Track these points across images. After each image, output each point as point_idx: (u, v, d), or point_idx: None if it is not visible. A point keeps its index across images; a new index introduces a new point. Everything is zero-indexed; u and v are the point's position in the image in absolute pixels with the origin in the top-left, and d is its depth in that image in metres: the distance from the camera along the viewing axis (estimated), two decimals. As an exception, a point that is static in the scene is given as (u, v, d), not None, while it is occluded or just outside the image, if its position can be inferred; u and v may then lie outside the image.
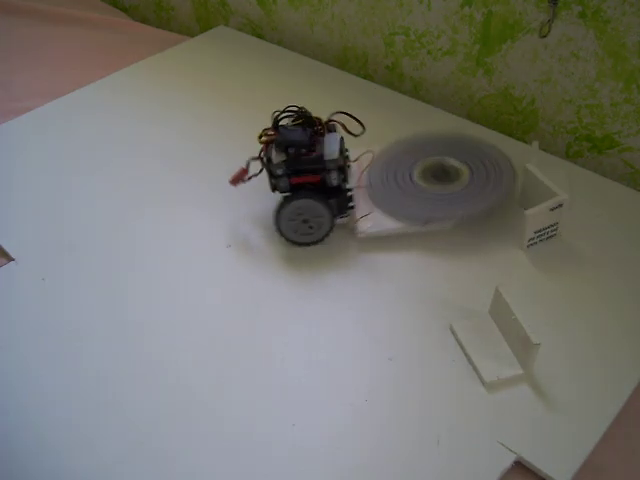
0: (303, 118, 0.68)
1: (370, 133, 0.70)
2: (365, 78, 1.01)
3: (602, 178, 0.79)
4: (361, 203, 0.72)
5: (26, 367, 0.62)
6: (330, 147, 0.67)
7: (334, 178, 0.68)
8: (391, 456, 0.54)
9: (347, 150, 0.72)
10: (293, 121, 0.68)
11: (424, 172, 0.75)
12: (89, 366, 0.62)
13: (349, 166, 0.74)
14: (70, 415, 0.58)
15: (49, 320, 0.66)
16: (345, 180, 0.69)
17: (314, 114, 0.69)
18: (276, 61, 1.03)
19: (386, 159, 0.77)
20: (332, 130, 0.69)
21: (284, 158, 0.67)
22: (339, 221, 0.71)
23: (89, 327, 0.65)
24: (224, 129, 0.90)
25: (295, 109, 0.68)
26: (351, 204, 0.71)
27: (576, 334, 0.62)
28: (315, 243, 0.72)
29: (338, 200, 0.70)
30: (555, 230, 0.70)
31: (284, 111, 0.68)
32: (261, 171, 0.69)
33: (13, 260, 0.72)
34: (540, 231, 0.69)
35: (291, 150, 0.66)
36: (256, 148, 0.69)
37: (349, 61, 1.04)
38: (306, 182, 0.68)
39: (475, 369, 0.59)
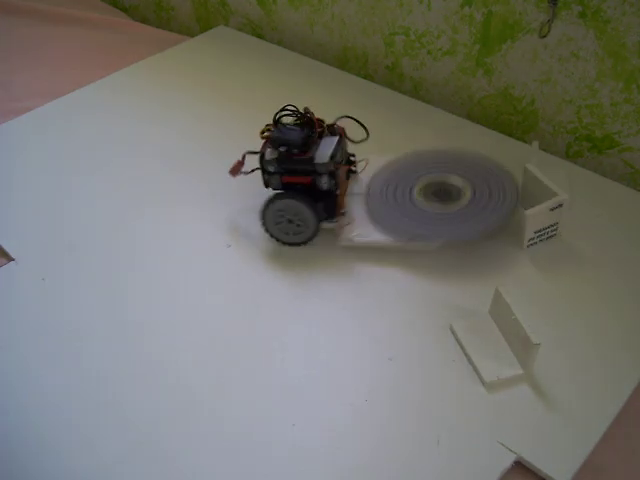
0: (303, 119, 0.67)
1: (370, 133, 0.70)
2: (365, 78, 1.00)
3: (602, 178, 0.80)
4: (354, 210, 0.72)
5: (26, 367, 0.62)
6: (322, 151, 0.66)
7: (324, 182, 0.67)
8: (391, 456, 0.54)
9: (354, 155, 0.72)
10: (295, 121, 0.68)
11: (425, 188, 0.73)
12: (89, 366, 0.62)
13: (354, 171, 0.74)
14: (70, 415, 0.58)
15: (49, 320, 0.66)
16: (337, 185, 0.68)
17: (314, 114, 0.68)
18: (276, 61, 1.03)
19: (394, 169, 0.75)
20: (334, 134, 0.69)
21: (276, 156, 0.66)
22: (329, 225, 0.70)
23: (89, 327, 0.65)
24: (224, 129, 0.89)
25: (293, 108, 0.68)
26: (343, 210, 0.70)
27: (576, 334, 0.62)
28: (298, 244, 0.71)
29: (327, 204, 0.69)
30: (555, 230, 0.70)
31: (283, 109, 0.68)
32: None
33: (13, 260, 0.72)
34: (540, 231, 0.69)
35: (282, 149, 0.66)
36: (256, 148, 0.69)
37: (349, 61, 1.04)
38: (297, 182, 0.68)
39: (475, 369, 0.59)
